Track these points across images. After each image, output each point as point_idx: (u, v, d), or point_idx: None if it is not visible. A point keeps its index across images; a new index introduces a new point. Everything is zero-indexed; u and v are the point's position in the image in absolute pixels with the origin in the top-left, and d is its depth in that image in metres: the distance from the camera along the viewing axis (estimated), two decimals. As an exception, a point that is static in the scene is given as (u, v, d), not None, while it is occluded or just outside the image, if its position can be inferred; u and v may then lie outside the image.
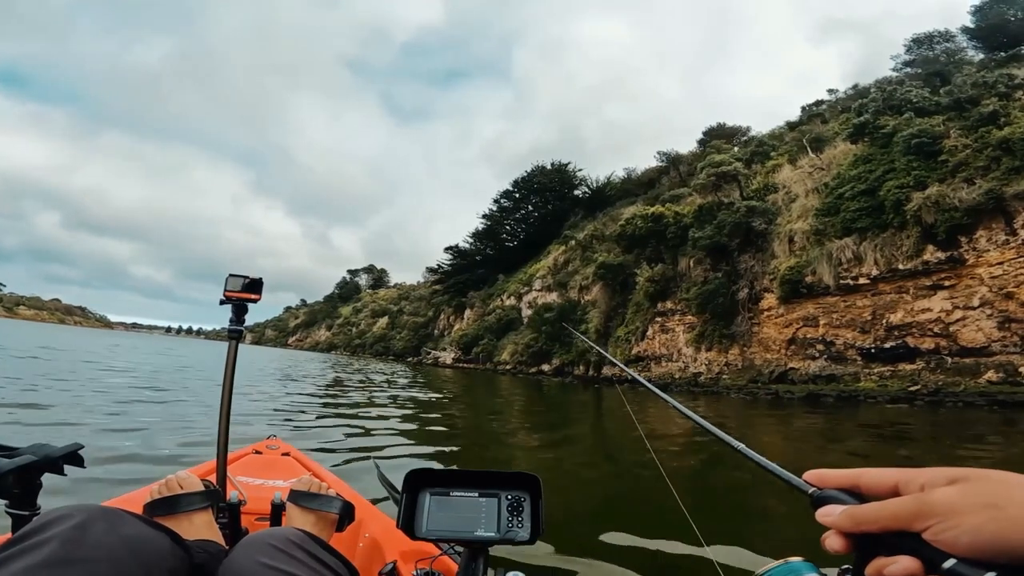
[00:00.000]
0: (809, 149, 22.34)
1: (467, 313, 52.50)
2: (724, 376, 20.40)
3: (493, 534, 1.13)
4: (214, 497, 1.27)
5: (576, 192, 51.20)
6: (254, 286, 1.61)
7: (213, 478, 1.54)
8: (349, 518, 1.40)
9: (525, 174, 52.87)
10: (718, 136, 39.70)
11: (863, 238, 16.86)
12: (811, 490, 0.50)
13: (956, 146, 15.53)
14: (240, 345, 1.70)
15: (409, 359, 55.02)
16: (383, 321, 72.28)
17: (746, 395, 17.98)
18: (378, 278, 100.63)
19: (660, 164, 42.26)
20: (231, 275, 1.61)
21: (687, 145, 43.76)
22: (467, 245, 56.33)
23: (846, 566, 0.47)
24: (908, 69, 28.24)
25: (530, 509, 1.16)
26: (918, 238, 15.41)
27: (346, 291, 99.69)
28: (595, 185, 49.79)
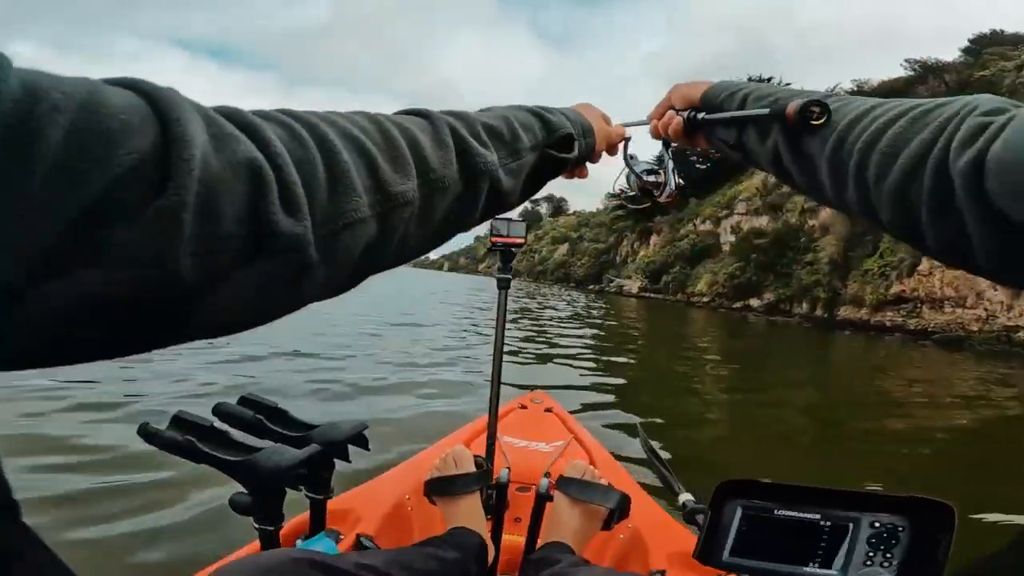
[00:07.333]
0: None
1: (653, 239, 48.37)
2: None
3: (834, 572, 0.72)
4: (484, 479, 1.24)
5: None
6: (519, 230, 1.54)
7: (482, 439, 1.54)
8: (621, 514, 1.15)
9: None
10: (992, 43, 28.81)
11: None
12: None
13: None
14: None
15: (591, 287, 53.36)
16: (563, 248, 71.62)
17: None
18: (558, 206, 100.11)
19: (908, 74, 32.20)
20: (495, 219, 1.48)
21: (929, 52, 32.28)
22: (654, 165, 51.27)
23: None
24: None
25: (911, 543, 0.70)
26: None
27: (528, 219, 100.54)
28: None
